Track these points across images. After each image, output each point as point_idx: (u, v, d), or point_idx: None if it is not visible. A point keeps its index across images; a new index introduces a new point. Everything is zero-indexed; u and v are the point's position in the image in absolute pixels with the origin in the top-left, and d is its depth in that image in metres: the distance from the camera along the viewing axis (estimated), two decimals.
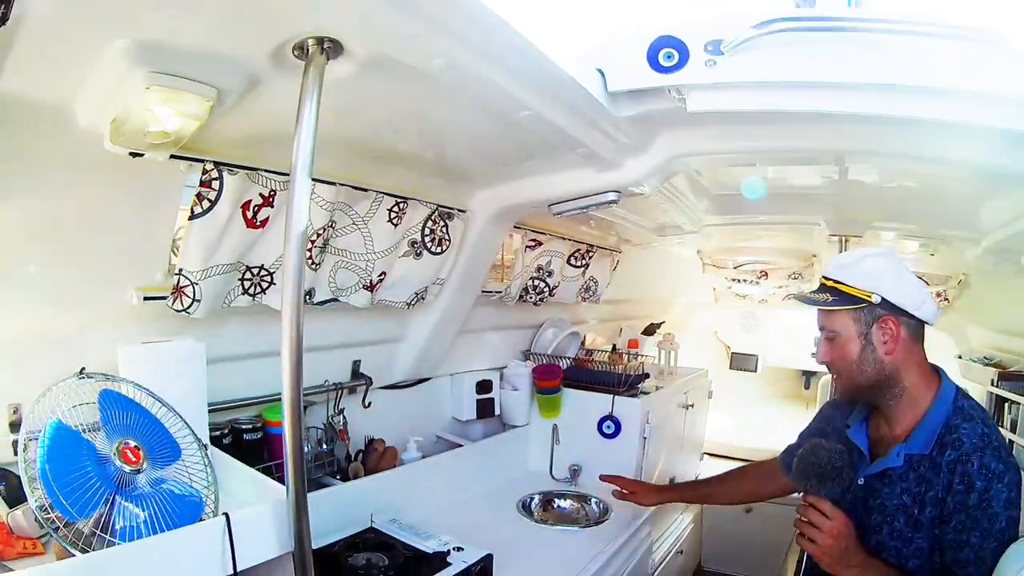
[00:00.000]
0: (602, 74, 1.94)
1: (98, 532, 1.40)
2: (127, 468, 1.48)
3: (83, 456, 1.43)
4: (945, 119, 1.86)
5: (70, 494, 1.34)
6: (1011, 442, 4.38)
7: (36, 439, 1.40)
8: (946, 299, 5.45)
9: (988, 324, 5.51)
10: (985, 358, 5.27)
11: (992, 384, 4.73)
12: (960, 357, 5.63)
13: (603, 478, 3.19)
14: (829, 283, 2.09)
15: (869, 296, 1.99)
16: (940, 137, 2.15)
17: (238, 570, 1.49)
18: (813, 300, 2.09)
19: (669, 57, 1.83)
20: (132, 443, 1.51)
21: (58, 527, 1.37)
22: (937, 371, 2.09)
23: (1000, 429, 2.03)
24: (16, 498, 1.68)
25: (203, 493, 1.60)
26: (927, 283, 5.21)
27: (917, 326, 2.05)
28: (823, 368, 2.27)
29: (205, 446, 1.74)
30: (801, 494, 2.01)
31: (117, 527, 1.42)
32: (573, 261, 4.06)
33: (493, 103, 1.88)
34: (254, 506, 1.59)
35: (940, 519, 1.87)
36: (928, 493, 1.90)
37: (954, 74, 1.75)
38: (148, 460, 1.53)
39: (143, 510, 1.46)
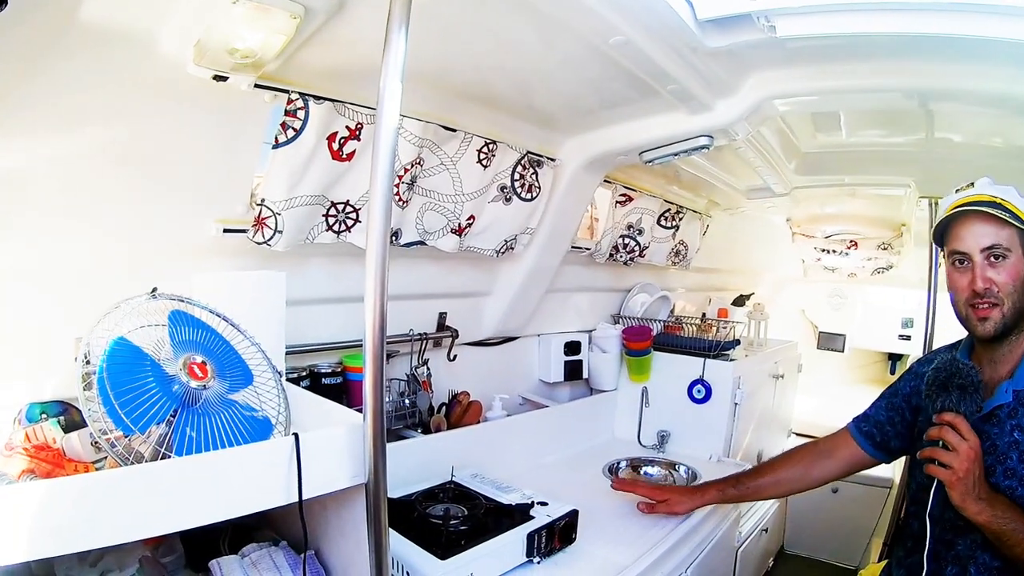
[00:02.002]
0: (691, 5, 1.84)
1: (162, 450, 1.29)
2: (193, 383, 1.37)
3: (145, 371, 1.32)
4: None
5: (127, 403, 1.23)
6: None
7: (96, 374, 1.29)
8: None
9: None
10: None
11: None
12: None
13: (615, 486, 2.75)
14: (996, 199, 1.88)
15: None
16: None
17: (304, 498, 1.36)
18: (991, 208, 1.86)
19: None
20: (199, 358, 1.41)
21: (115, 445, 1.27)
22: None
23: None
24: (74, 429, 1.61)
25: (274, 418, 1.50)
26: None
27: None
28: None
29: (280, 373, 1.64)
30: (936, 414, 1.82)
31: (176, 444, 1.31)
32: (663, 222, 3.94)
33: (584, 27, 1.79)
34: (327, 428, 1.47)
35: None
36: None
37: None
38: (216, 378, 1.43)
39: (208, 428, 1.35)
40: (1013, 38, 1.73)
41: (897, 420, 2.24)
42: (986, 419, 1.86)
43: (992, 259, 1.86)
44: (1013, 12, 1.70)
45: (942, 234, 1.99)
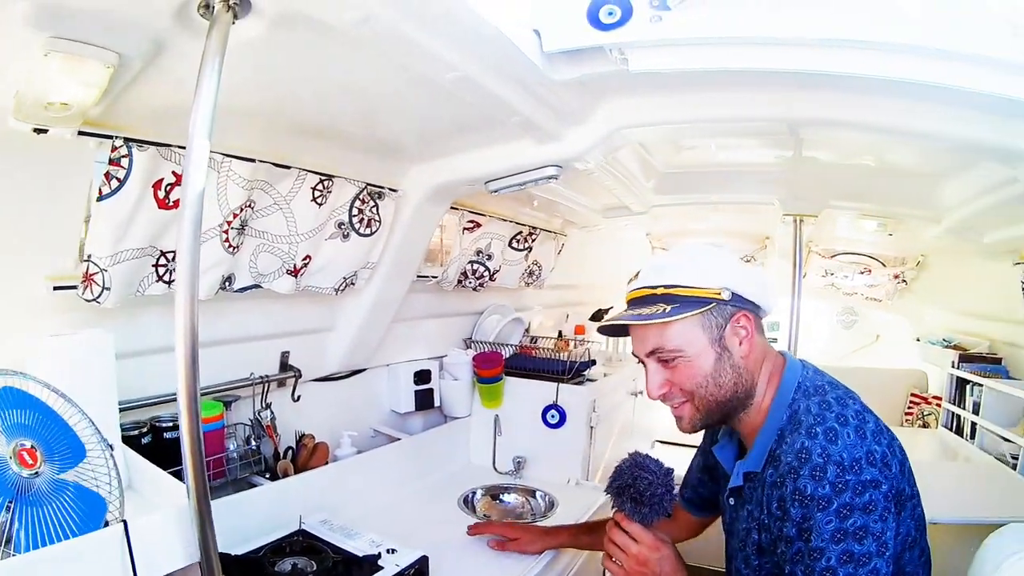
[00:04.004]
0: (539, 35, 1.81)
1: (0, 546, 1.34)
2: (24, 472, 1.43)
3: None
4: (904, 79, 1.77)
5: None
6: (974, 425, 4.58)
7: None
8: (904, 281, 5.62)
9: (947, 306, 5.69)
10: (944, 340, 5.45)
11: (952, 366, 4.92)
12: (918, 340, 5.83)
13: (471, 532, 2.83)
14: (659, 291, 1.76)
15: (718, 293, 1.72)
16: (897, 104, 2.10)
17: None
18: (643, 316, 1.73)
19: (611, 14, 1.72)
20: (28, 443, 1.46)
21: None
22: (784, 360, 1.85)
23: (845, 433, 1.56)
24: None
25: (107, 498, 1.54)
26: (883, 264, 5.49)
27: (759, 319, 1.83)
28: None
29: (111, 447, 1.65)
30: (613, 510, 1.90)
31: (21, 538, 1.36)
32: (515, 244, 4.06)
33: (417, 64, 1.81)
34: (155, 513, 1.53)
35: (772, 544, 1.67)
36: (760, 516, 1.70)
37: (919, 29, 1.67)
38: (47, 462, 1.48)
39: (43, 517, 1.40)
40: (876, 75, 1.77)
41: (708, 480, 2.25)
42: (736, 495, 1.86)
43: (661, 361, 1.77)
44: (876, 47, 1.72)
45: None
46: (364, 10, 1.46)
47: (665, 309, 1.69)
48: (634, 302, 1.81)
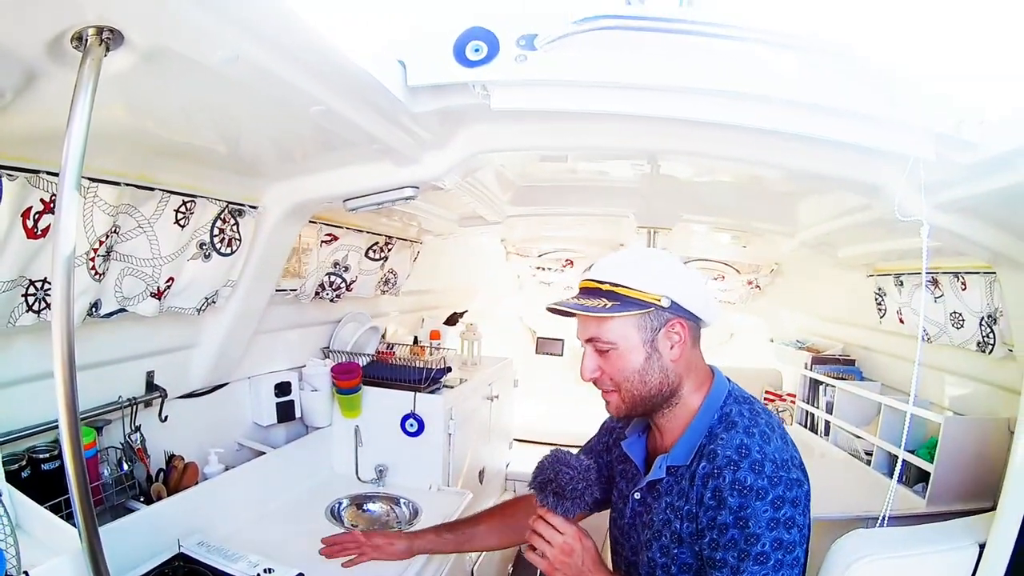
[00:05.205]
0: (404, 67, 1.90)
1: None
2: None
3: None
4: (755, 126, 1.98)
5: None
6: (828, 423, 4.90)
7: None
8: (757, 286, 5.89)
9: (800, 309, 6.00)
10: (797, 341, 5.76)
11: (806, 367, 5.22)
12: (772, 341, 6.13)
13: (324, 552, 2.85)
14: (605, 286, 1.90)
15: (658, 299, 1.86)
16: (752, 141, 2.30)
17: None
18: (586, 307, 1.87)
19: (477, 51, 1.81)
20: None
21: None
22: (712, 373, 2.05)
23: (775, 438, 1.85)
24: None
25: (3, 547, 1.55)
26: (737, 271, 5.70)
27: (697, 328, 2.00)
28: None
29: None
30: (536, 504, 1.98)
31: None
32: (371, 254, 4.14)
33: (283, 97, 1.87)
34: (50, 561, 1.57)
35: (696, 534, 1.82)
36: (685, 507, 1.84)
37: (767, 80, 1.85)
38: None
39: None
40: (730, 122, 1.96)
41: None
42: (650, 491, 2.00)
43: (597, 349, 1.94)
44: (731, 96, 1.90)
45: None
46: (234, 50, 1.52)
47: (606, 305, 1.85)
48: (584, 291, 1.96)
